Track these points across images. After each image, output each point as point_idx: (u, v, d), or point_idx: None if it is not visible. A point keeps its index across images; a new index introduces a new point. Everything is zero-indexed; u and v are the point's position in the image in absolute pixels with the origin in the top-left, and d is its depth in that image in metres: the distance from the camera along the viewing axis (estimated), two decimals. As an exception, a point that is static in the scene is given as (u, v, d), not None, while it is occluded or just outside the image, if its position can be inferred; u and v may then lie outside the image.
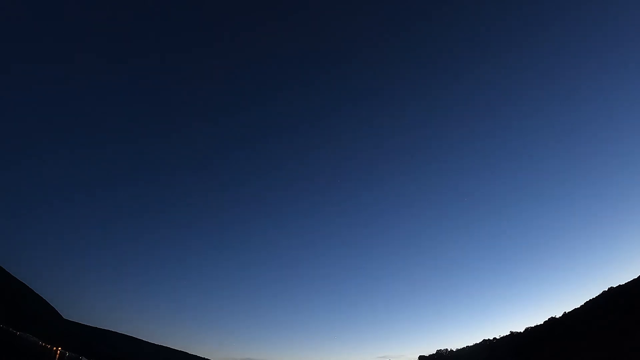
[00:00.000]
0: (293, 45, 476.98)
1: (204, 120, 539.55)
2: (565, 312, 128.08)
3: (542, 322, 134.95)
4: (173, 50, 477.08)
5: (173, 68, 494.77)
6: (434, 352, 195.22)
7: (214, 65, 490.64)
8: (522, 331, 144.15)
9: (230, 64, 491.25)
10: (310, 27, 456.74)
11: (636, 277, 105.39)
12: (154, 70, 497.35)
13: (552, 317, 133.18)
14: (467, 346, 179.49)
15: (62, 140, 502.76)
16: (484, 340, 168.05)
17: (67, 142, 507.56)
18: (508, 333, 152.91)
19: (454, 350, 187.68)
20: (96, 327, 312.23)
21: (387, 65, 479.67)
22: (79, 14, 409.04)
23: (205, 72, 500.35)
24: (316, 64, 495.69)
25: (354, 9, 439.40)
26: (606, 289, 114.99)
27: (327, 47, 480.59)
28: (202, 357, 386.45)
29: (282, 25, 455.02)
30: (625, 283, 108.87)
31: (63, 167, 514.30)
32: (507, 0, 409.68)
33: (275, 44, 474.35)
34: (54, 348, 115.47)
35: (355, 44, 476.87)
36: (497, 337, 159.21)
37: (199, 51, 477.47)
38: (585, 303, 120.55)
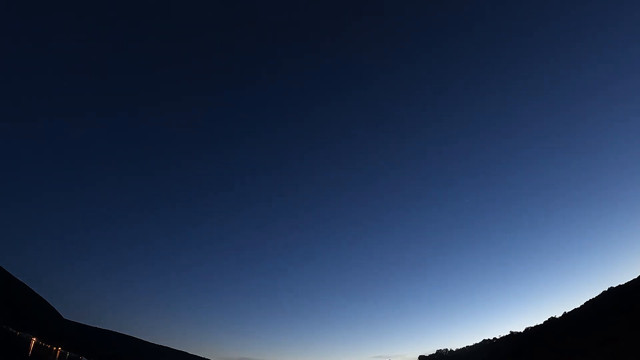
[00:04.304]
0: (313, 69, 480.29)
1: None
2: (565, 312, 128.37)
3: (542, 322, 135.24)
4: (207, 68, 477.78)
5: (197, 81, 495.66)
6: (434, 352, 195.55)
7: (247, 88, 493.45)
8: (522, 331, 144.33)
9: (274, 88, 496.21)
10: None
11: (636, 277, 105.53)
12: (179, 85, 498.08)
13: (552, 317, 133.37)
14: (467, 346, 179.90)
15: (61, 142, 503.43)
16: (484, 340, 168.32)
17: (66, 144, 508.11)
18: (508, 333, 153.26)
19: (454, 350, 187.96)
20: (96, 327, 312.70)
21: (389, 67, 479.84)
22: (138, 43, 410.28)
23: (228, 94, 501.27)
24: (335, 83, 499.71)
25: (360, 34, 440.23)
26: (606, 289, 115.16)
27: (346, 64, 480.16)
28: (202, 357, 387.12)
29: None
30: (625, 283, 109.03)
31: (63, 167, 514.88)
32: (508, 4, 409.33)
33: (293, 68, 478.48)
34: (54, 348, 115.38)
35: (366, 56, 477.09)
36: (497, 337, 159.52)
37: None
38: (585, 303, 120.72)
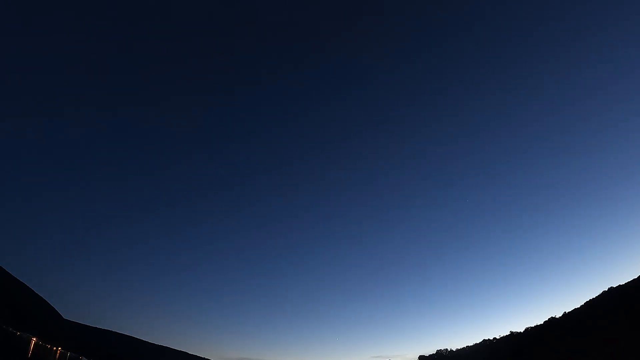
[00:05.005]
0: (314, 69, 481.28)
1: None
2: (565, 312, 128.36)
3: (542, 322, 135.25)
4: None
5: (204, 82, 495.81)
6: (434, 352, 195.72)
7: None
8: (522, 331, 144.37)
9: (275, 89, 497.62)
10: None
11: (636, 277, 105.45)
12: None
13: (552, 317, 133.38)
14: (467, 346, 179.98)
15: (61, 141, 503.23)
16: (484, 340, 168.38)
17: (66, 144, 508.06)
18: (508, 333, 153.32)
19: (454, 350, 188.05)
20: (96, 327, 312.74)
21: (389, 67, 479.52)
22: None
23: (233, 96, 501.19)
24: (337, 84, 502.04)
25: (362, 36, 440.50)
26: (606, 289, 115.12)
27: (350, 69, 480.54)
28: (202, 357, 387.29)
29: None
30: (625, 283, 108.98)
31: (63, 167, 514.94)
32: (508, 4, 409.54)
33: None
34: (54, 348, 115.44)
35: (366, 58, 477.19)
36: (497, 337, 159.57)
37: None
38: (585, 303, 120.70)
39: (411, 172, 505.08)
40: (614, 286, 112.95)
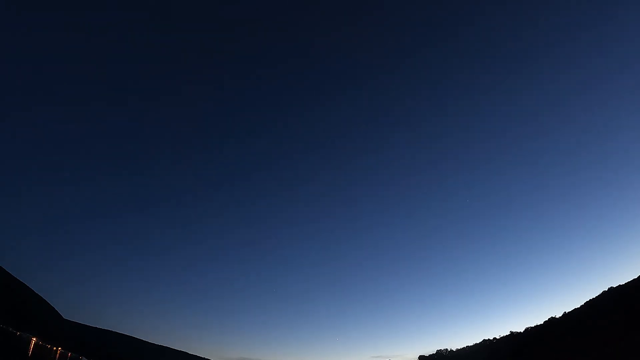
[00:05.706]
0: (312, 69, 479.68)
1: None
2: (565, 312, 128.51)
3: (542, 322, 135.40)
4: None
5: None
6: (434, 352, 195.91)
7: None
8: (522, 331, 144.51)
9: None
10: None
11: (636, 277, 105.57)
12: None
13: (552, 317, 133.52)
14: (467, 346, 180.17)
15: (60, 139, 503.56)
16: (484, 340, 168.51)
17: (66, 141, 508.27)
18: (508, 333, 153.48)
19: (454, 350, 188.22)
20: (96, 327, 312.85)
21: (389, 67, 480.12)
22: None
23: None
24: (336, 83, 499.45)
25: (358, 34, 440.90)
26: (606, 289, 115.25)
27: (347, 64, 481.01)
28: (202, 357, 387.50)
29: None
30: (625, 283, 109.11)
31: (63, 166, 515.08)
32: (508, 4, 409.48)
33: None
34: (54, 348, 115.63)
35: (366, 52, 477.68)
36: (497, 337, 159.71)
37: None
38: (585, 303, 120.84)
39: (411, 172, 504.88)
40: (614, 286, 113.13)
